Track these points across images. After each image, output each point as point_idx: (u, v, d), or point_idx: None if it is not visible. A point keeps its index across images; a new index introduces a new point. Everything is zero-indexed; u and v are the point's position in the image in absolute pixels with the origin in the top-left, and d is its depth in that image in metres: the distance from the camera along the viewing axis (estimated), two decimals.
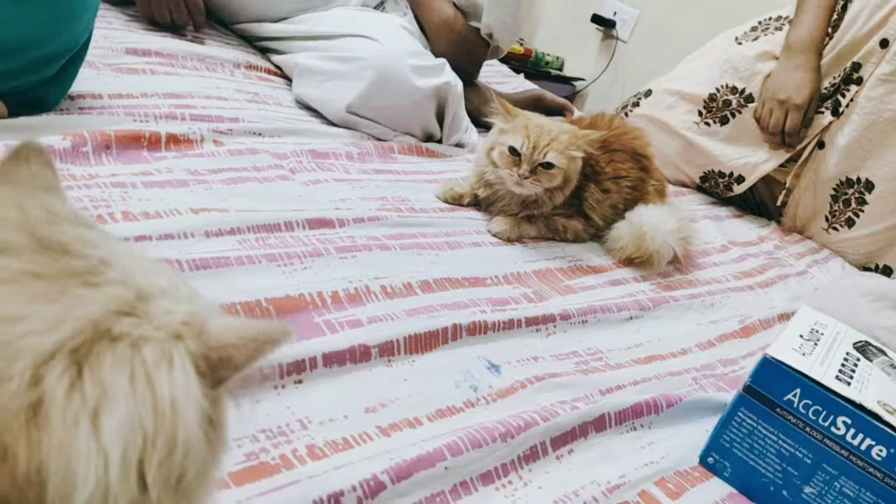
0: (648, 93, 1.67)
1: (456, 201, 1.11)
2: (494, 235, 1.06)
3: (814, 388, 0.65)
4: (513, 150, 1.02)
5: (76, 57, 0.89)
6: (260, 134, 1.05)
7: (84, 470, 0.25)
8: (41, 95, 0.87)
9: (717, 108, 1.56)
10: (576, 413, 0.70)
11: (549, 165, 1.02)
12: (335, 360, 0.67)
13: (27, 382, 0.25)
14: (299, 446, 0.58)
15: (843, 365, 0.69)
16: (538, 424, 0.67)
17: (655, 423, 0.76)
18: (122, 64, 1.09)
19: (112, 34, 1.16)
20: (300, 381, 0.64)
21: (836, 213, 1.53)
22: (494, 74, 1.89)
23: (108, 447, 0.25)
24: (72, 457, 0.24)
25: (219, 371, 0.30)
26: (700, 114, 1.58)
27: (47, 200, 0.31)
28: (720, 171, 1.58)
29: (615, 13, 2.47)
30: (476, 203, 1.12)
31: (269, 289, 0.72)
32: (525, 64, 2.47)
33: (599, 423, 0.72)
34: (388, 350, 0.72)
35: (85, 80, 0.96)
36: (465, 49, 1.44)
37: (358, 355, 0.69)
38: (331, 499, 0.52)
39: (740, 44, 1.59)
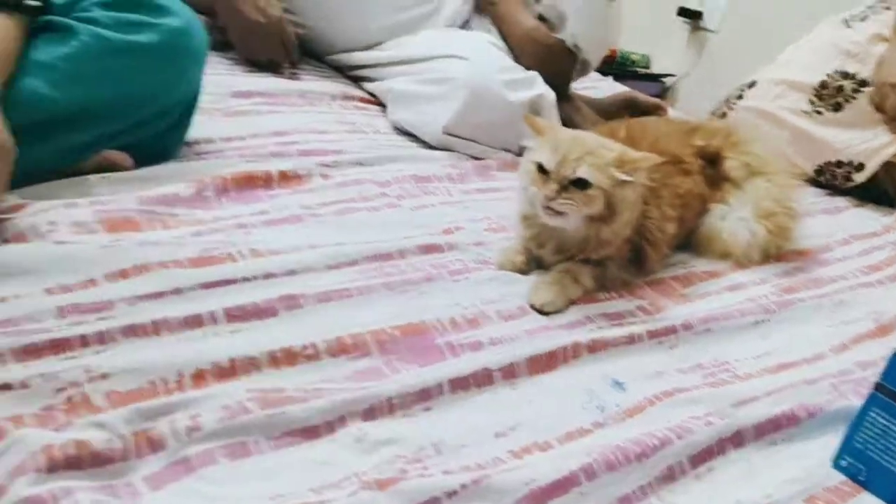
0: (753, 84, 1.59)
1: (518, 269, 0.91)
2: (539, 311, 0.83)
3: None
4: (540, 168, 0.84)
5: (191, 105, 0.93)
6: (362, 164, 1.07)
7: None
8: (163, 145, 0.93)
9: (830, 95, 1.47)
10: (711, 428, 0.68)
11: (583, 183, 0.83)
12: (460, 385, 0.68)
13: None
14: (435, 472, 0.58)
15: None
16: (673, 443, 0.65)
17: (797, 435, 0.72)
18: (229, 107, 1.14)
19: (217, 79, 1.21)
20: (429, 409, 0.65)
21: None
22: (582, 80, 1.85)
23: None
24: None
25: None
26: (811, 102, 1.49)
27: None
28: (838, 161, 1.48)
29: (702, 3, 2.39)
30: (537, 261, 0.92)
31: (390, 317, 0.73)
32: (611, 66, 2.42)
33: (737, 439, 0.69)
34: (510, 372, 0.71)
35: (197, 126, 1.01)
36: (549, 61, 1.41)
37: (481, 379, 0.69)
38: None
39: (849, 27, 1.50)
